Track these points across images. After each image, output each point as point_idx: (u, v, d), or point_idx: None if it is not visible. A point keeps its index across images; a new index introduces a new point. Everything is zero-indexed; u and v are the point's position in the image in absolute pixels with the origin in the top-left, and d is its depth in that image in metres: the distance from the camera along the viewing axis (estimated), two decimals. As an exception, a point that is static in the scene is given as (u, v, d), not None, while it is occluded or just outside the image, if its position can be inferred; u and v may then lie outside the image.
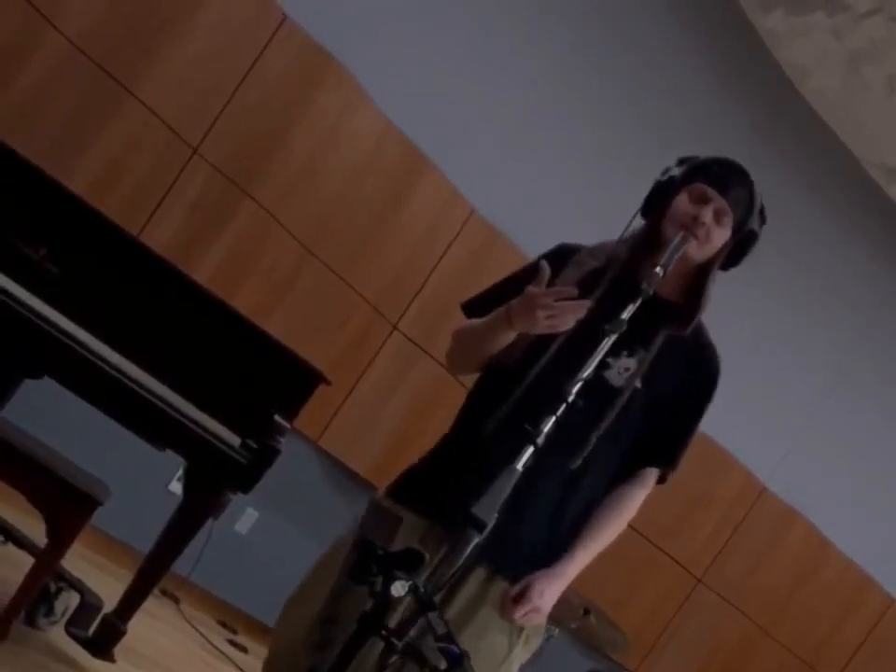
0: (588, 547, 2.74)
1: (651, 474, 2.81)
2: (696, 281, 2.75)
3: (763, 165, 6.05)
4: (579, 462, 2.64)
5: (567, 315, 2.51)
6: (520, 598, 2.65)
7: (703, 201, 2.70)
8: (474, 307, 2.84)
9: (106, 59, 5.03)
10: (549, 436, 2.33)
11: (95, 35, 5.00)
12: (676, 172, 2.75)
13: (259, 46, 5.34)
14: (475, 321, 2.76)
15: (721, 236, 2.71)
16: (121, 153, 5.15)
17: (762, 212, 2.76)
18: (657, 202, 2.75)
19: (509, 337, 2.65)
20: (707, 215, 2.68)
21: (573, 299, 2.53)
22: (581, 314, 2.50)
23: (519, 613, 2.65)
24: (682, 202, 2.71)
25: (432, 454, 2.80)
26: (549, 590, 2.66)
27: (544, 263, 2.55)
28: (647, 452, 2.78)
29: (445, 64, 6.02)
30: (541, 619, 2.72)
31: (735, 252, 2.76)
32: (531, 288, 2.54)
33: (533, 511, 2.65)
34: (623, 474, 2.78)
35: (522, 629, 2.71)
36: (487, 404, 2.68)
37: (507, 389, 2.65)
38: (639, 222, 2.78)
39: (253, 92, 5.36)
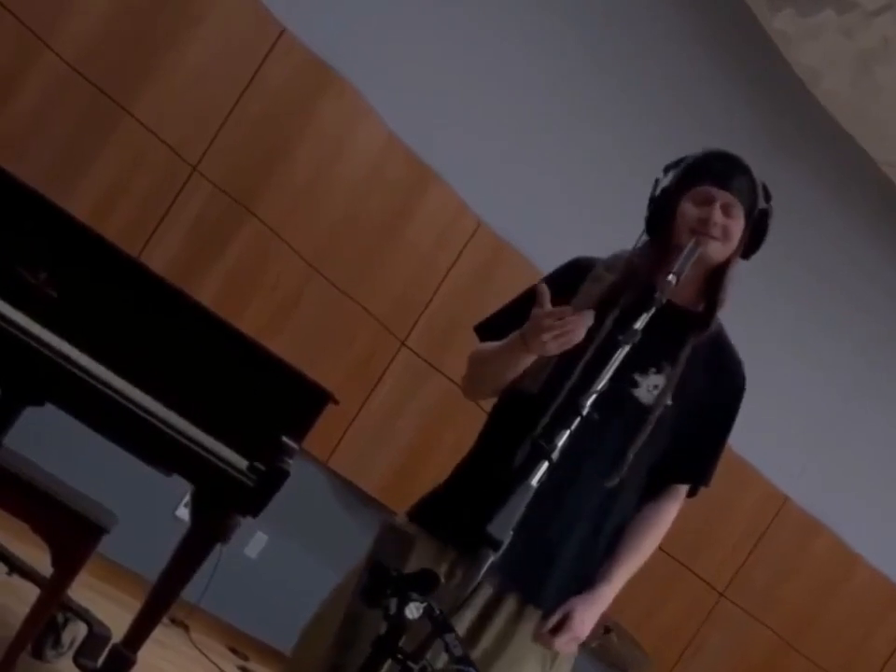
0: (625, 568, 2.73)
1: (682, 489, 2.81)
2: (714, 281, 2.75)
3: (777, 170, 6.08)
4: (615, 482, 2.64)
5: (575, 330, 2.50)
6: (560, 627, 2.65)
7: (708, 201, 2.70)
8: (487, 329, 2.84)
9: (103, 79, 5.05)
10: (583, 458, 2.33)
11: (91, 55, 5.02)
12: (667, 182, 2.75)
13: (257, 60, 5.35)
14: (490, 344, 2.75)
15: (737, 228, 2.71)
16: (120, 174, 5.16)
17: (765, 189, 2.76)
18: (659, 218, 2.74)
19: (527, 361, 2.64)
20: (716, 213, 2.68)
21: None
22: (589, 321, 2.49)
23: (560, 643, 2.65)
24: (688, 210, 2.70)
25: (455, 479, 2.79)
26: (588, 616, 2.67)
27: (543, 287, 2.53)
28: (679, 467, 2.77)
29: (448, 74, 6.03)
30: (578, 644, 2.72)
31: (754, 236, 2.75)
32: (534, 311, 2.53)
33: (566, 536, 2.65)
34: (653, 490, 2.77)
35: (556, 656, 2.71)
36: (513, 431, 2.66)
37: (532, 415, 2.63)
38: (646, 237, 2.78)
39: (252, 108, 5.37)
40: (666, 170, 2.78)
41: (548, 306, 2.51)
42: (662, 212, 2.74)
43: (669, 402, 2.68)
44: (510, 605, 2.65)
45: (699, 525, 6.73)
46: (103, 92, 5.06)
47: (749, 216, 2.72)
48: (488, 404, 2.87)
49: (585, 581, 2.70)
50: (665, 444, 2.71)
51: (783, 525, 7.08)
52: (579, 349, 2.56)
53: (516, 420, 2.68)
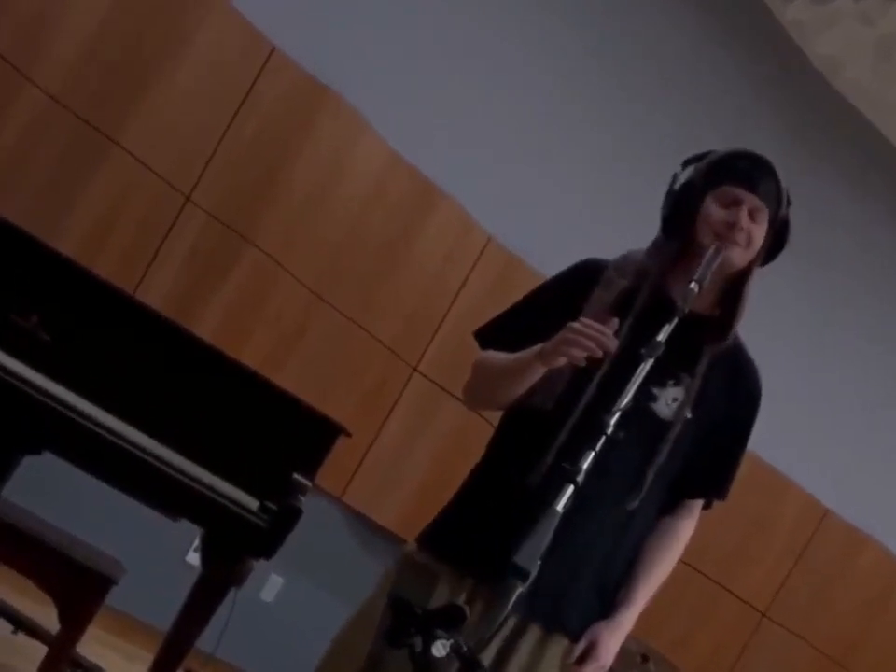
0: (644, 590, 2.72)
1: (697, 505, 2.80)
2: (732, 287, 2.73)
3: (798, 166, 6.07)
4: (637, 503, 2.63)
5: (601, 340, 2.46)
6: (586, 656, 2.63)
7: (734, 203, 2.67)
8: (490, 335, 2.82)
9: (88, 110, 5.07)
10: (600, 477, 2.31)
11: (74, 86, 5.03)
12: (689, 176, 2.72)
13: (248, 81, 5.36)
14: (498, 356, 2.72)
15: (760, 234, 2.69)
16: (110, 207, 5.17)
17: (787, 194, 2.74)
18: (679, 215, 2.72)
19: (537, 375, 2.62)
20: (744, 218, 2.66)
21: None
22: (610, 344, 2.46)
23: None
24: (713, 209, 2.68)
25: (465, 500, 2.77)
26: (613, 643, 2.66)
27: (615, 321, 2.48)
28: (696, 482, 2.76)
29: (448, 86, 6.04)
30: None
31: (776, 243, 2.73)
32: (573, 324, 2.49)
33: (586, 560, 2.63)
34: (670, 506, 2.76)
35: None
36: (526, 449, 2.65)
37: (547, 432, 2.61)
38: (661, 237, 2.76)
39: (245, 131, 5.38)
40: (686, 164, 2.75)
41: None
42: (683, 210, 2.71)
43: (689, 415, 2.66)
44: (534, 632, 2.64)
45: (735, 542, 6.70)
46: (88, 123, 5.07)
47: (773, 221, 2.70)
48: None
49: (608, 602, 2.70)
50: (684, 460, 2.70)
51: (825, 539, 7.04)
52: (593, 362, 2.54)
53: (529, 438, 2.67)
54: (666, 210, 2.74)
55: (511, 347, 2.69)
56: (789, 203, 2.74)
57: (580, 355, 2.45)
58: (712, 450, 2.73)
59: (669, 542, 2.76)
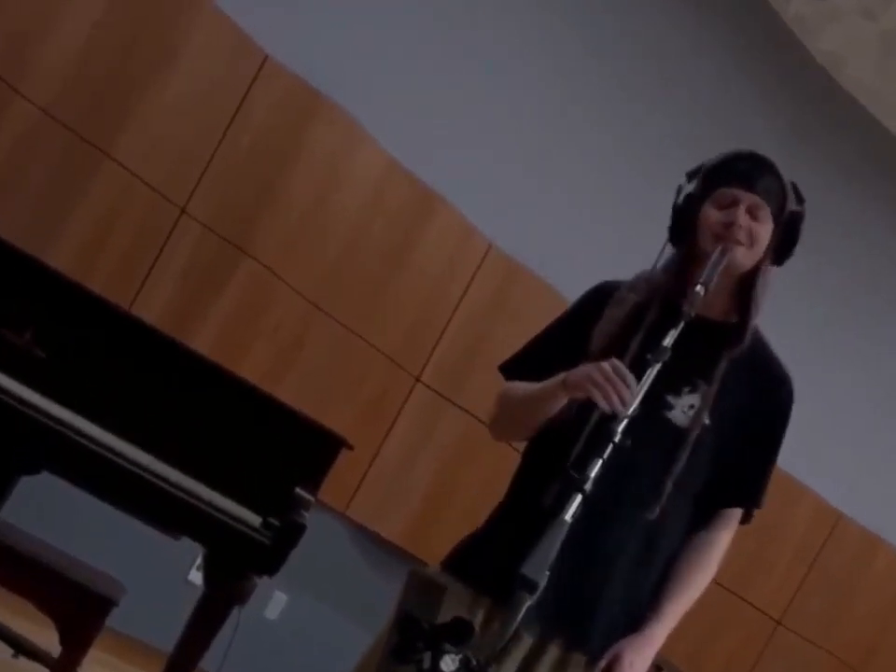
0: (676, 604, 2.71)
1: (733, 515, 2.78)
2: (745, 290, 2.73)
3: (803, 164, 6.07)
4: (656, 513, 2.62)
5: (616, 391, 2.46)
6: (611, 669, 2.62)
7: (732, 204, 2.68)
8: (515, 369, 2.83)
9: (79, 123, 5.07)
10: (618, 490, 2.31)
11: (64, 98, 5.03)
12: (691, 188, 2.74)
13: (241, 91, 5.36)
14: (520, 386, 2.75)
15: (764, 232, 2.69)
16: (104, 221, 5.17)
17: (796, 190, 2.74)
18: (683, 226, 2.73)
19: (561, 402, 2.63)
20: (741, 216, 2.66)
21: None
22: (629, 403, 2.46)
23: None
24: (710, 213, 2.69)
25: (489, 523, 2.79)
26: (638, 659, 2.64)
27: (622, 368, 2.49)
28: (726, 491, 2.75)
29: (446, 90, 6.04)
30: None
31: (785, 240, 2.73)
32: (604, 366, 2.50)
33: (608, 575, 2.62)
34: (702, 519, 2.75)
35: None
36: (544, 465, 2.65)
37: (564, 446, 2.61)
38: (671, 250, 2.77)
39: (240, 141, 5.38)
40: (689, 177, 2.77)
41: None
42: (685, 220, 2.72)
43: (707, 422, 2.66)
44: (552, 653, 2.63)
45: (748, 549, 6.68)
46: (80, 136, 5.07)
47: (777, 218, 2.70)
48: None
49: (633, 621, 2.68)
50: (707, 468, 2.69)
51: (839, 543, 7.04)
52: None
53: (547, 454, 2.67)
54: (671, 223, 2.76)
55: (536, 377, 2.71)
56: (800, 198, 2.74)
57: (601, 401, 2.46)
58: (738, 457, 2.73)
59: (702, 555, 2.74)
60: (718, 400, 2.66)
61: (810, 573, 7.00)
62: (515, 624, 2.20)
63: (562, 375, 2.59)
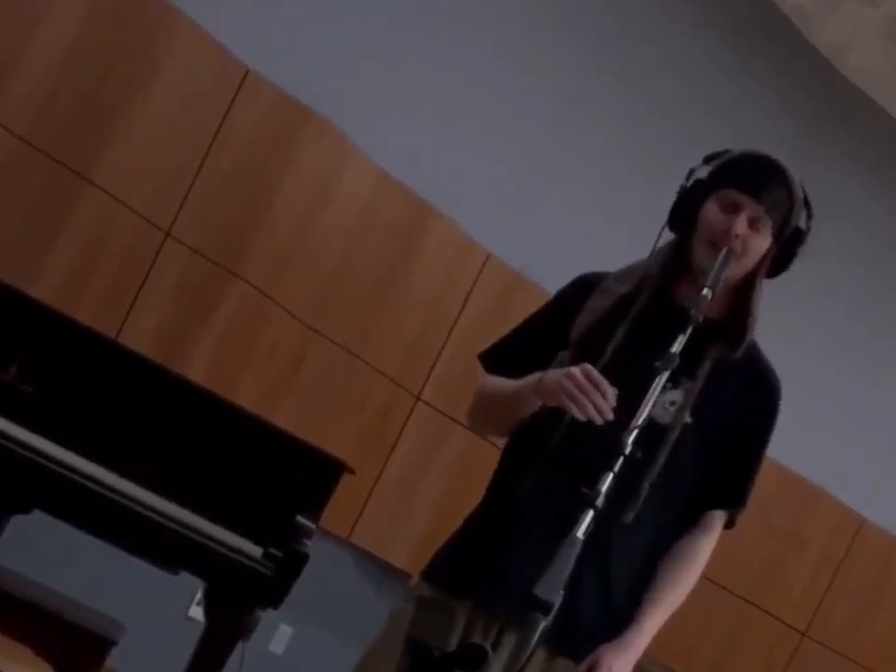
0: (656, 611, 2.72)
1: (717, 518, 2.80)
2: (740, 296, 2.73)
3: (814, 161, 6.06)
4: (632, 515, 2.61)
5: (600, 407, 2.47)
6: None
7: (734, 209, 2.68)
8: (494, 359, 2.86)
9: (58, 149, 5.07)
10: (592, 490, 2.31)
11: (42, 125, 5.04)
12: (702, 174, 2.74)
13: (223, 107, 5.36)
14: (497, 383, 2.79)
15: (759, 245, 2.70)
16: (87, 248, 5.17)
17: (807, 204, 2.73)
18: (685, 211, 2.73)
19: (535, 405, 2.67)
20: (741, 225, 2.66)
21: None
22: (607, 412, 2.47)
23: None
24: (712, 212, 2.69)
25: (466, 527, 2.84)
26: (618, 664, 2.64)
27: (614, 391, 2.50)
28: (709, 494, 2.76)
29: (436, 97, 6.04)
30: None
31: (783, 255, 2.73)
32: (575, 368, 2.51)
33: (586, 577, 2.63)
34: (684, 522, 2.75)
35: None
36: (520, 464, 2.69)
37: (540, 445, 2.64)
38: (669, 236, 2.77)
39: (224, 160, 5.38)
40: (707, 160, 2.77)
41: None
42: (687, 206, 2.72)
43: (689, 420, 2.67)
44: (539, 656, 2.63)
45: (768, 560, 6.68)
46: (59, 163, 5.07)
47: (778, 233, 2.70)
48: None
49: (612, 623, 2.69)
50: (689, 469, 2.70)
51: (862, 550, 7.02)
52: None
53: (523, 454, 2.71)
54: (674, 203, 2.76)
55: (514, 369, 2.74)
56: (810, 213, 2.74)
57: (576, 413, 2.48)
58: (724, 457, 2.74)
59: (686, 561, 2.76)
60: (701, 398, 2.67)
61: (834, 581, 6.99)
62: (531, 647, 2.20)
63: (535, 377, 2.62)
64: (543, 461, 2.62)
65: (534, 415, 2.70)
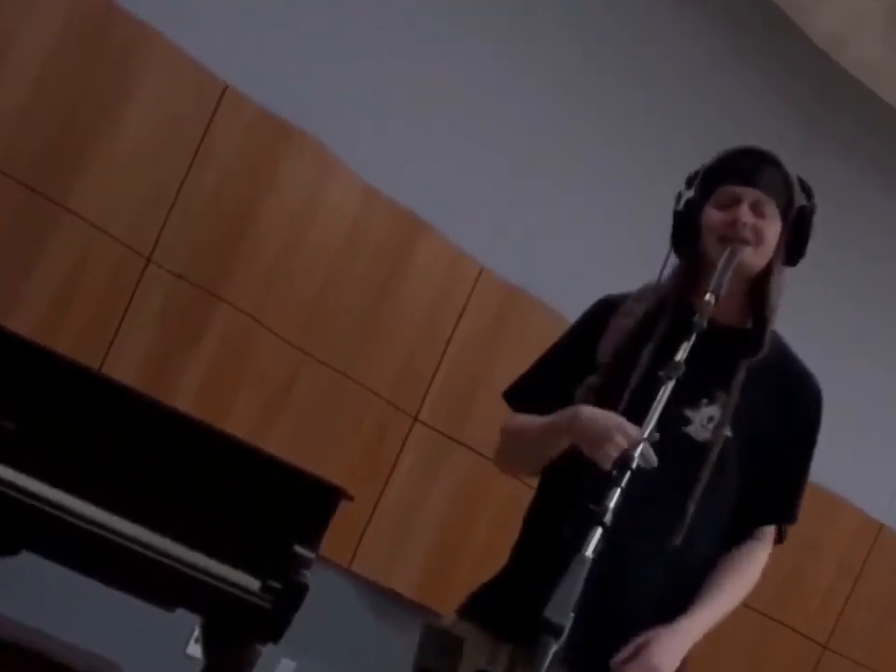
0: (709, 608, 2.69)
1: (768, 533, 2.78)
2: (758, 293, 2.73)
3: (817, 156, 6.06)
4: (680, 539, 2.60)
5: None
6: (634, 657, 2.59)
7: (733, 202, 2.68)
8: (521, 395, 2.83)
9: (32, 176, 5.06)
10: (639, 516, 2.30)
11: (14, 152, 5.03)
12: (690, 194, 2.74)
13: (202, 125, 5.36)
14: (526, 421, 2.75)
15: (771, 229, 2.70)
16: (67, 278, 5.16)
17: (802, 184, 2.74)
18: (685, 232, 2.74)
19: (565, 445, 2.64)
20: (744, 213, 2.67)
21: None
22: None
23: None
24: (712, 215, 2.70)
25: (508, 565, 2.81)
26: (666, 651, 2.60)
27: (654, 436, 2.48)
28: (757, 508, 2.75)
29: (422, 105, 6.04)
30: None
31: (795, 238, 2.73)
32: (611, 421, 2.50)
33: (635, 611, 2.61)
34: (734, 539, 2.74)
35: None
36: (558, 501, 2.68)
37: (578, 477, 2.62)
38: (675, 260, 2.78)
39: (204, 180, 5.38)
40: (689, 182, 2.78)
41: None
42: (687, 225, 2.73)
43: (729, 434, 2.66)
44: None
45: (786, 571, 6.66)
46: (33, 190, 5.06)
47: (785, 215, 2.70)
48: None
49: None
50: (734, 484, 2.68)
51: (882, 557, 7.02)
52: (616, 394, 2.57)
53: (561, 485, 2.68)
54: (672, 229, 2.76)
55: (544, 404, 2.72)
56: (808, 193, 2.74)
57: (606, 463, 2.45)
58: (770, 470, 2.73)
59: (738, 566, 2.74)
60: (739, 410, 2.66)
61: (855, 590, 6.98)
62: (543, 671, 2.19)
63: (566, 415, 2.60)
64: (582, 500, 2.60)
65: (569, 453, 2.68)
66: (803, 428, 2.79)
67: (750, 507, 2.73)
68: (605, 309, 2.80)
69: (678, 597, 2.68)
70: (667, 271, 2.78)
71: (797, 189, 2.73)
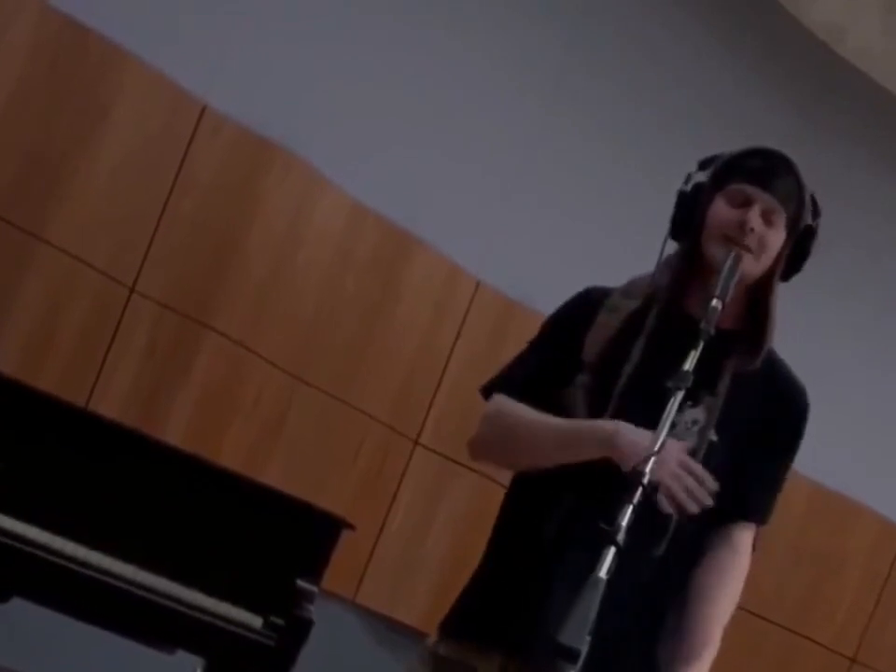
0: (703, 656, 2.67)
1: (742, 535, 2.74)
2: (755, 299, 2.73)
3: (819, 150, 6.05)
4: (663, 547, 2.60)
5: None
6: None
7: (745, 203, 2.68)
8: (505, 387, 2.81)
9: (6, 208, 5.06)
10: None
11: (-16, 182, 5.04)
12: (701, 177, 2.74)
13: (181, 147, 5.36)
14: (527, 413, 2.71)
15: (775, 240, 2.69)
16: (47, 312, 5.16)
17: (814, 202, 2.74)
18: (688, 217, 2.73)
19: (592, 455, 2.60)
20: (755, 218, 2.66)
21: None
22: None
23: None
24: (721, 209, 2.69)
25: (484, 574, 2.80)
26: None
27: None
28: (730, 505, 2.72)
29: (409, 115, 6.03)
30: None
31: (795, 255, 2.73)
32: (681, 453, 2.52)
33: (623, 625, 2.60)
34: (709, 538, 2.73)
35: None
36: (539, 499, 2.67)
37: (562, 481, 2.62)
38: (672, 246, 2.77)
39: (186, 204, 5.38)
40: (702, 165, 2.77)
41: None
42: (690, 211, 2.72)
43: (714, 439, 2.66)
44: None
45: (808, 584, 6.66)
46: (8, 223, 5.06)
47: (791, 229, 2.70)
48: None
49: (648, 660, 2.68)
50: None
51: (908, 563, 7.01)
52: (605, 395, 2.58)
53: (542, 483, 2.68)
54: (675, 210, 2.75)
55: (527, 399, 2.71)
56: (817, 212, 2.74)
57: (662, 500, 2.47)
58: (744, 469, 2.71)
59: (717, 591, 2.71)
60: (724, 414, 2.66)
61: (881, 600, 6.97)
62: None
63: (608, 427, 2.58)
64: (567, 501, 2.59)
65: None
66: (786, 432, 2.78)
67: (724, 504, 2.71)
68: (589, 301, 2.77)
69: (659, 608, 2.68)
70: (662, 259, 2.77)
71: (807, 205, 2.72)
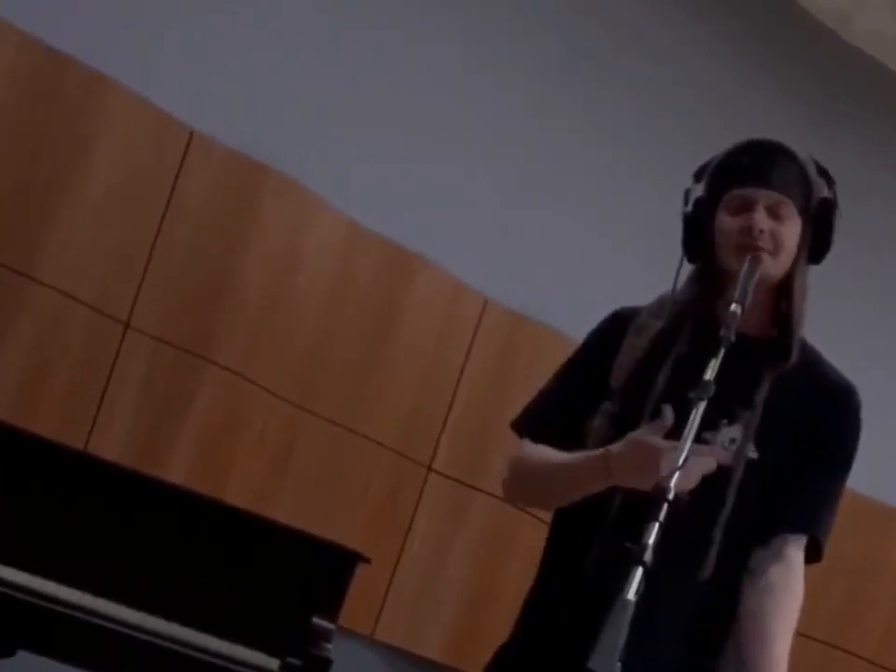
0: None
1: (792, 549, 2.72)
2: (781, 299, 2.72)
3: (830, 141, 6.04)
4: (709, 571, 2.59)
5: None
6: None
7: (747, 207, 2.67)
8: (532, 425, 2.81)
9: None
10: (659, 549, 2.29)
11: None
12: (699, 192, 2.73)
13: (170, 175, 5.36)
14: (546, 454, 2.71)
15: (790, 231, 2.67)
16: (38, 352, 5.16)
17: (820, 170, 2.72)
18: (697, 237, 2.72)
19: (604, 486, 2.59)
20: (761, 218, 2.65)
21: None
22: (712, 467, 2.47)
23: None
24: (725, 222, 2.68)
25: (529, 611, 2.79)
26: None
27: (668, 410, 2.48)
28: (778, 518, 2.70)
29: (405, 128, 6.03)
30: None
31: (819, 234, 2.71)
32: (653, 440, 2.48)
33: (666, 653, 2.60)
34: (757, 556, 2.70)
35: None
36: (580, 536, 2.66)
37: (601, 513, 2.62)
38: (688, 267, 2.77)
39: (178, 233, 5.38)
40: (697, 177, 2.76)
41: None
42: (698, 229, 2.72)
43: (754, 456, 2.64)
44: None
45: (844, 595, 6.64)
46: (-5, 261, 5.08)
47: (805, 211, 2.69)
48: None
49: None
50: (758, 505, 2.66)
51: (946, 569, 6.99)
52: (633, 422, 2.56)
53: (582, 519, 2.67)
54: (683, 234, 2.75)
55: (557, 433, 2.72)
56: (828, 180, 2.72)
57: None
58: (791, 480, 2.69)
59: (775, 621, 2.70)
60: (763, 428, 2.65)
61: (921, 609, 6.96)
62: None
63: (592, 457, 2.58)
64: (604, 534, 2.58)
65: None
66: (837, 442, 2.75)
67: (771, 517, 2.69)
68: (617, 324, 2.78)
69: (707, 633, 2.67)
70: (682, 279, 2.76)
71: (815, 178, 2.70)
